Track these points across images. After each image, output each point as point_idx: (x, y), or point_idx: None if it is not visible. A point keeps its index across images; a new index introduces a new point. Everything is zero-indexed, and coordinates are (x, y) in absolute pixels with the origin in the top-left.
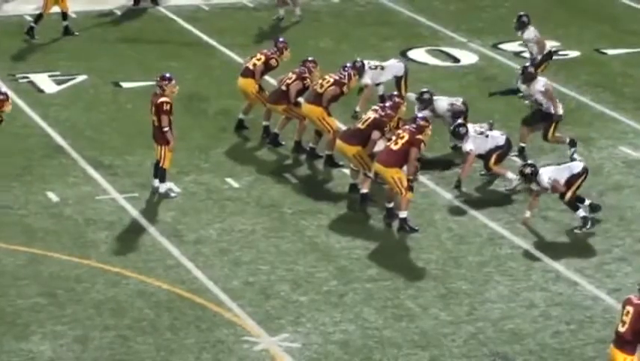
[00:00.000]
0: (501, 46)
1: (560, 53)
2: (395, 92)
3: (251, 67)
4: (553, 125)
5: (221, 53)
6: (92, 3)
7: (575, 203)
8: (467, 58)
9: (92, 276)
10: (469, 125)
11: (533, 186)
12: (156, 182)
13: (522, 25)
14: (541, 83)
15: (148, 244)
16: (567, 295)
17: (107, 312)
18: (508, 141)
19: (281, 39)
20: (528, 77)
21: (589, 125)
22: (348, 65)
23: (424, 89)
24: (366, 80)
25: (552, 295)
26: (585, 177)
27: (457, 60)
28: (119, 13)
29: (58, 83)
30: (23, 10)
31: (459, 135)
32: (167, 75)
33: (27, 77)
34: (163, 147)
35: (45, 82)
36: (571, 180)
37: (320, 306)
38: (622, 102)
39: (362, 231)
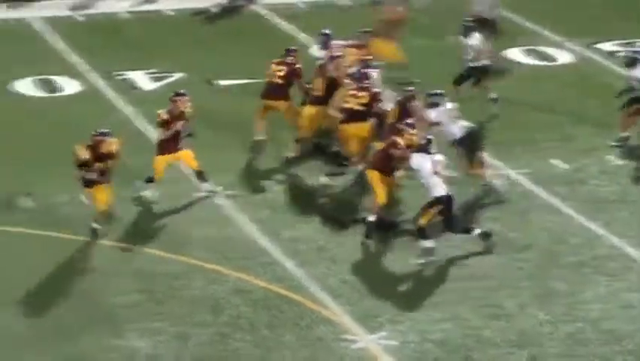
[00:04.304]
0: (596, 45)
1: None
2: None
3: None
4: None
5: None
6: (187, 1)
7: None
8: (564, 57)
9: (190, 273)
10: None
11: None
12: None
13: (468, 30)
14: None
15: (245, 242)
16: None
17: (204, 309)
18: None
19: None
20: (629, 62)
21: None
22: None
23: (438, 91)
24: None
25: None
26: None
27: (553, 60)
28: (215, 10)
29: (155, 80)
30: (119, 7)
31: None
32: (181, 91)
33: (124, 75)
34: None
35: (142, 79)
36: None
37: (418, 305)
38: None
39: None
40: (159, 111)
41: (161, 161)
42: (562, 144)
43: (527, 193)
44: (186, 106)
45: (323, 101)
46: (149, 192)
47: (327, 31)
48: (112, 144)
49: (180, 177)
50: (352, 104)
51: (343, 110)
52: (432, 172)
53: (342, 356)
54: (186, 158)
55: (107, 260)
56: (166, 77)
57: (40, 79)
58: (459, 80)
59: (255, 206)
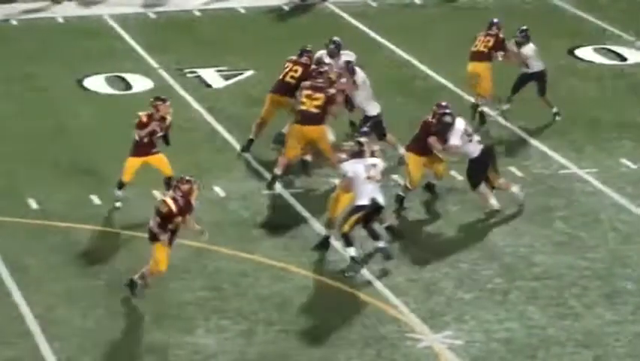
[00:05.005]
0: None
1: None
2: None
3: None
4: None
5: (389, 50)
6: None
7: None
8: (635, 57)
9: (257, 271)
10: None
11: None
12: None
13: (524, 40)
14: None
15: (312, 240)
16: None
17: (271, 307)
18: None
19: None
20: None
21: None
22: None
23: (448, 111)
24: None
25: None
26: None
27: (624, 59)
28: (286, 8)
29: (226, 78)
30: (191, 5)
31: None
32: (163, 97)
33: (195, 72)
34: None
35: (212, 77)
36: None
37: (484, 304)
38: None
39: (527, 229)
40: (140, 113)
41: (133, 162)
42: (632, 143)
43: (596, 193)
44: (167, 112)
45: None
46: (120, 193)
47: (336, 39)
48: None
49: (248, 174)
50: (307, 106)
51: (298, 111)
52: (365, 178)
53: (406, 355)
54: (159, 163)
55: (175, 257)
56: (237, 75)
57: (112, 76)
58: (515, 89)
59: (322, 204)
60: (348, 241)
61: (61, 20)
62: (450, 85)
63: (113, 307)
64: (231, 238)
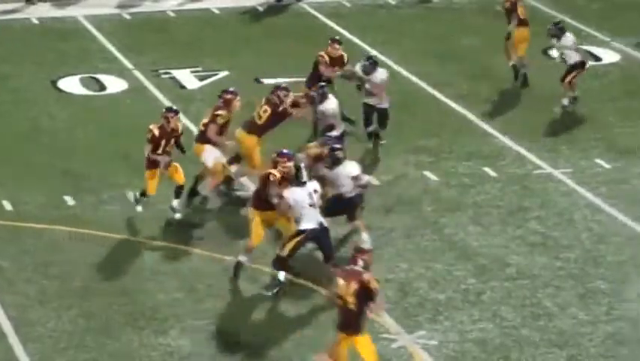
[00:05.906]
0: None
1: None
2: None
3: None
4: None
5: (364, 50)
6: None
7: None
8: (609, 57)
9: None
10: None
11: None
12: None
13: (559, 32)
14: None
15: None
16: None
17: (246, 308)
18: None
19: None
20: None
21: None
22: None
23: (339, 146)
24: None
25: None
26: None
27: (599, 59)
28: (261, 9)
29: (201, 79)
30: (165, 6)
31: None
32: (174, 108)
33: (169, 73)
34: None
35: (187, 78)
36: None
37: (458, 304)
38: None
39: (501, 229)
40: (150, 126)
41: (151, 175)
42: (606, 143)
43: (571, 193)
44: (177, 124)
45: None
46: (140, 208)
47: (372, 55)
48: None
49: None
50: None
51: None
52: (307, 204)
53: (381, 355)
54: (174, 172)
55: (150, 259)
56: (211, 76)
57: (87, 77)
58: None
59: None
60: (284, 265)
61: (35, 21)
62: (424, 85)
63: (87, 308)
64: (207, 239)
